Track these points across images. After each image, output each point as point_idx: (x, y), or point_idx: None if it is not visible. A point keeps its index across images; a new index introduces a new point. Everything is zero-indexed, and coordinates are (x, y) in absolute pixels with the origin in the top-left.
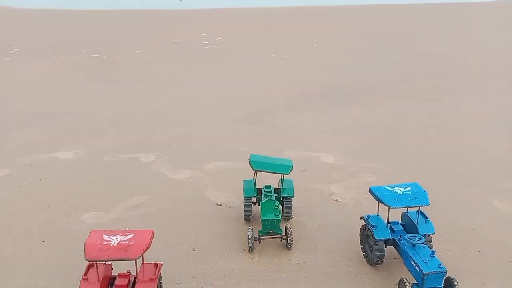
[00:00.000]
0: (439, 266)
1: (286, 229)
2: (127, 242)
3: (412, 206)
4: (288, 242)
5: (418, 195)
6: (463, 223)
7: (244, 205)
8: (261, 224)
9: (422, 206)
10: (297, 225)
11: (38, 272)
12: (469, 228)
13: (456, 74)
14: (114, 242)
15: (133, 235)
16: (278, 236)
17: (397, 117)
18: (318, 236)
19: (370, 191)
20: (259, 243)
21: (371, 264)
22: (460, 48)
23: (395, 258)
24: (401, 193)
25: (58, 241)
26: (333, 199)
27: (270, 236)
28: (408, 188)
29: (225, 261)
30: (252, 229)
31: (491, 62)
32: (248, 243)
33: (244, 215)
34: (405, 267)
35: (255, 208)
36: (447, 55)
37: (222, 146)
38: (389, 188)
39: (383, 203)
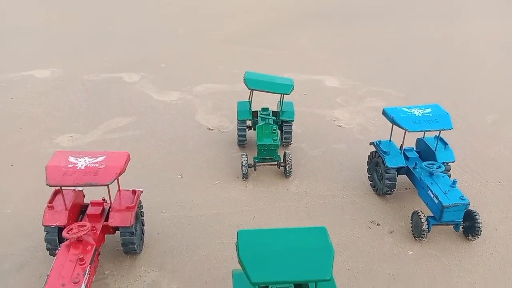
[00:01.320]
0: (461, 198)
1: (284, 156)
2: (97, 165)
3: (433, 130)
4: (287, 169)
5: (440, 118)
6: (481, 152)
7: (238, 129)
8: (256, 150)
9: (444, 130)
10: (296, 152)
11: (5, 199)
12: (488, 158)
13: None
14: (82, 165)
15: (104, 157)
16: (276, 163)
17: (408, 38)
18: (319, 164)
19: (384, 112)
20: (254, 170)
21: (379, 195)
22: None
23: (406, 188)
24: (420, 115)
25: (29, 165)
26: (337, 125)
27: (267, 163)
28: (428, 110)
29: (216, 189)
30: (246, 155)
31: None
32: (242, 170)
33: (238, 141)
34: (418, 198)
35: (251, 134)
36: None
37: (214, 67)
38: (406, 109)
39: (399, 126)
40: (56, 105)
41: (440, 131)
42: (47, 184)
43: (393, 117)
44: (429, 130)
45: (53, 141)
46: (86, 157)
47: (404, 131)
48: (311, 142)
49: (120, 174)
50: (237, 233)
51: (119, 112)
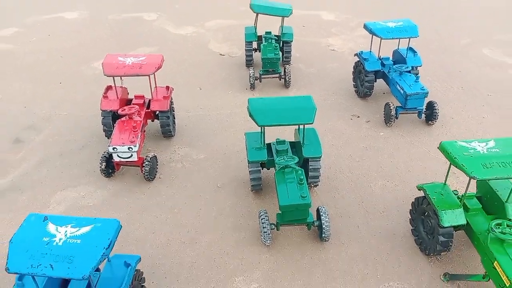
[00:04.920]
0: (422, 88)
1: (284, 69)
2: (140, 62)
3: (402, 37)
4: (287, 80)
5: (409, 28)
6: (451, 66)
7: (245, 50)
8: (262, 65)
9: (412, 37)
10: (295, 70)
11: (60, 105)
12: (456, 70)
13: None
14: (129, 62)
15: (145, 57)
16: (278, 75)
17: None
18: (314, 78)
19: (365, 26)
20: (260, 82)
21: (361, 97)
22: None
23: (384, 93)
24: (393, 27)
25: (74, 83)
26: (331, 49)
27: (270, 75)
28: (400, 23)
29: (229, 97)
30: (253, 68)
31: None
32: (250, 81)
33: (246, 61)
34: (392, 99)
35: (257, 57)
36: None
37: (223, 5)
38: (382, 23)
39: (376, 35)
40: (88, 40)
41: (409, 40)
42: (104, 75)
43: (371, 28)
44: (399, 38)
45: (91, 65)
46: (131, 57)
47: (380, 42)
48: (308, 63)
49: (158, 68)
50: (248, 100)
51: (143, 43)
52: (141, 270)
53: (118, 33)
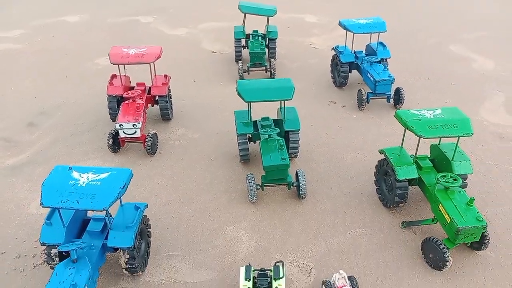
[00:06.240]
0: (389, 76)
1: (270, 63)
2: (142, 52)
3: (372, 32)
4: (272, 72)
5: (378, 24)
6: (419, 61)
7: (235, 46)
8: (249, 59)
9: (380, 32)
10: (280, 65)
11: (68, 96)
12: (423, 64)
13: None
14: (132, 52)
15: (146, 48)
16: (264, 68)
17: None
18: (297, 72)
19: (339, 23)
20: (248, 74)
21: (338, 86)
22: None
23: (358, 83)
24: (364, 23)
25: (80, 77)
26: (312, 47)
27: (257, 68)
28: (370, 20)
29: (220, 88)
30: (242, 62)
31: None
32: (239, 73)
33: (235, 56)
34: (364, 86)
35: (245, 52)
36: None
37: (215, 10)
38: (355, 20)
39: (349, 30)
40: (90, 40)
41: (378, 34)
42: (111, 63)
43: (345, 25)
44: (369, 32)
45: (94, 61)
46: (134, 48)
47: (352, 37)
48: (291, 59)
49: (158, 57)
50: (236, 81)
51: (140, 42)
52: (147, 217)
53: (117, 33)
